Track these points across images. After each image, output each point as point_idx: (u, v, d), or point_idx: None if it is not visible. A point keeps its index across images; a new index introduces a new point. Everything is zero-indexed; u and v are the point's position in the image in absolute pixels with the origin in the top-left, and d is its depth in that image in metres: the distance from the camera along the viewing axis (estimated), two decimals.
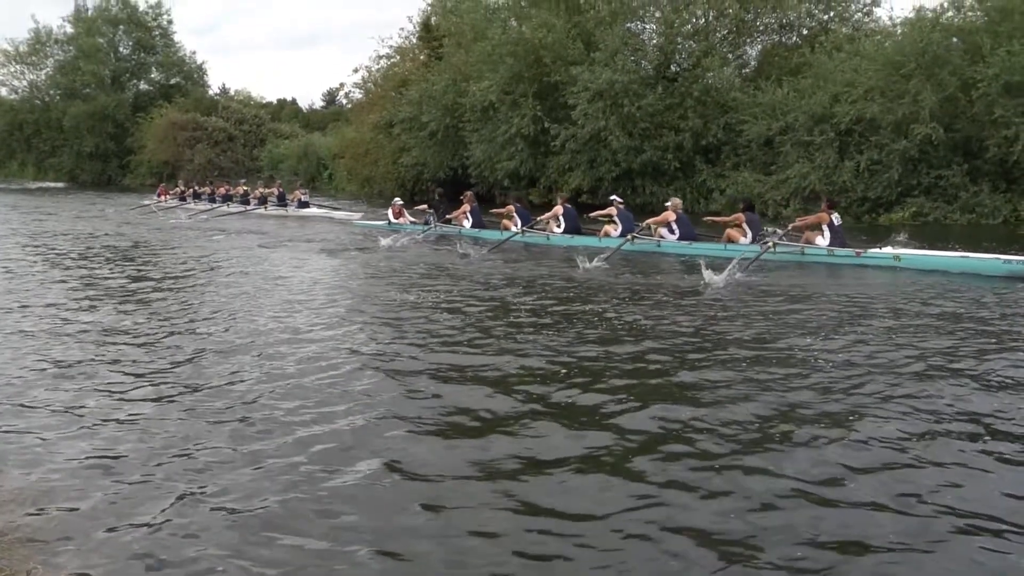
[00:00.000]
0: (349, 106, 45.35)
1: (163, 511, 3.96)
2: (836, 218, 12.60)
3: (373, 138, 34.43)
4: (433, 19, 34.49)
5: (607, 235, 14.93)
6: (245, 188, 28.62)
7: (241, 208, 25.96)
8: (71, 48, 57.64)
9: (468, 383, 5.98)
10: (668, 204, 14.58)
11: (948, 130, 19.80)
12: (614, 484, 4.17)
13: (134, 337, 7.64)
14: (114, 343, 7.43)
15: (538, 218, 16.40)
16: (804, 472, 4.20)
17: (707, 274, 10.30)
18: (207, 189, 30.57)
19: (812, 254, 12.41)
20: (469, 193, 18.67)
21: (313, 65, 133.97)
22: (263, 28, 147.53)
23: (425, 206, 19.15)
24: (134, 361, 6.77)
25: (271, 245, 16.15)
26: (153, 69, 59.73)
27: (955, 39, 20.63)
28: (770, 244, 12.40)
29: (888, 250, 11.82)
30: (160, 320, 8.44)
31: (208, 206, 27.23)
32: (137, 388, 6.02)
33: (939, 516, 3.72)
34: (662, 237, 14.15)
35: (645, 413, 5.17)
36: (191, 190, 31.05)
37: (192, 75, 60.03)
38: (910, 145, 19.83)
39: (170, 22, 59.42)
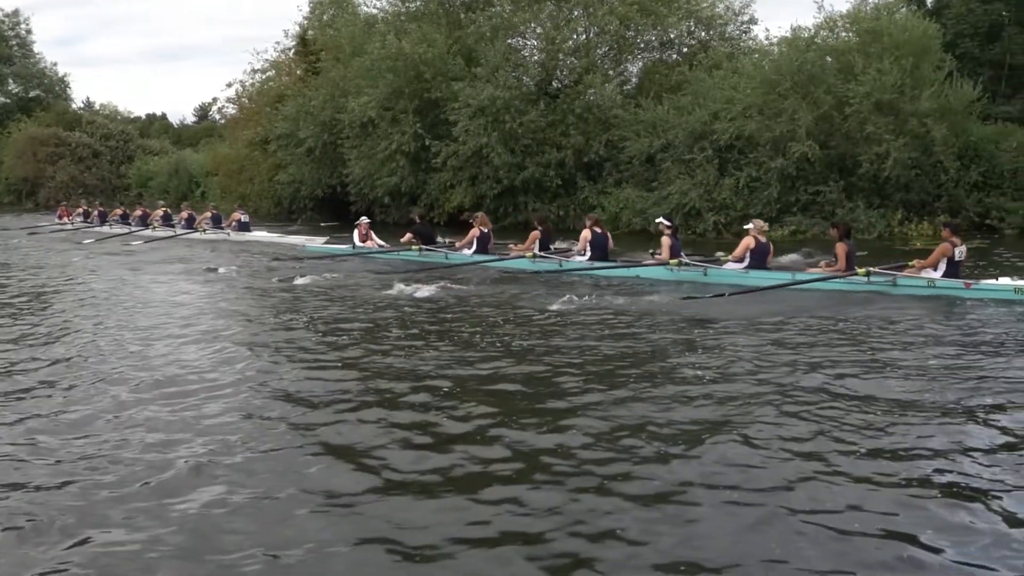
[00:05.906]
0: (223, 122, 43.58)
1: None
2: (960, 251, 10.66)
3: (248, 155, 33.00)
4: (310, 32, 33.38)
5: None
6: (166, 209, 25.86)
7: (170, 232, 23.11)
8: None
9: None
10: (749, 227, 12.29)
11: (824, 147, 20.18)
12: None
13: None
14: None
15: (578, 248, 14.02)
16: None
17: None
18: (118, 211, 27.76)
19: (906, 284, 10.77)
20: (481, 214, 16.17)
21: (185, 79, 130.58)
22: (132, 40, 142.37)
23: (410, 236, 16.08)
24: None
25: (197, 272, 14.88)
26: (10, 81, 56.61)
27: (829, 58, 21.13)
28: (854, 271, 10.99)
29: (1006, 281, 10.39)
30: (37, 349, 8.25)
31: (125, 229, 24.59)
32: None
33: None
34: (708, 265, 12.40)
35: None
36: (96, 212, 28.14)
37: (53, 88, 57.35)
38: (787, 163, 20.09)
39: (29, 31, 56.64)
